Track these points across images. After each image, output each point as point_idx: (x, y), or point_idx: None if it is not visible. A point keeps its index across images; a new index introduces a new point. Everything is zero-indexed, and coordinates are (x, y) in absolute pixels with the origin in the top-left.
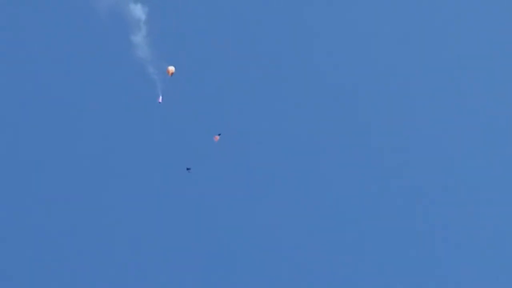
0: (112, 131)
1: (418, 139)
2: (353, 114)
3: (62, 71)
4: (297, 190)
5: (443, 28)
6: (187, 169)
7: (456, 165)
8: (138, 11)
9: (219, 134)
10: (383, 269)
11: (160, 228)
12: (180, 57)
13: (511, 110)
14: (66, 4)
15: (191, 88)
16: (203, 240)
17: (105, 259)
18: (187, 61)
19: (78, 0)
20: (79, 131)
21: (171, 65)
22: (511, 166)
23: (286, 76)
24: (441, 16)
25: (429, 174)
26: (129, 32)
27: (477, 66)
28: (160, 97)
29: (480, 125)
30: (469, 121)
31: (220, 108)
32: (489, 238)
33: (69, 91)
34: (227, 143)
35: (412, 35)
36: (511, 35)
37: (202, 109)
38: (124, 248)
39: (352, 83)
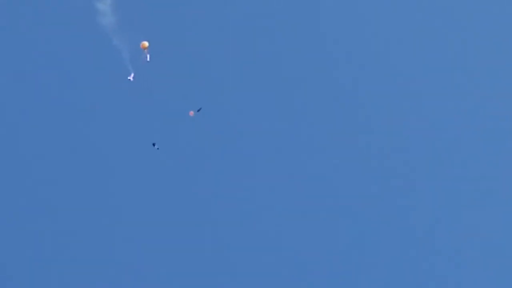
0: (77, 108)
1: (420, 139)
2: (354, 113)
3: (19, 39)
4: (297, 190)
5: (445, 28)
6: (153, 144)
7: (457, 165)
8: None
9: (198, 110)
10: (383, 269)
11: (150, 222)
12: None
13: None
14: None
15: (168, 64)
16: (200, 240)
17: (98, 257)
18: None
19: None
20: (38, 107)
21: (145, 39)
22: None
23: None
24: (446, 16)
25: (431, 174)
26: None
27: (477, 67)
28: (132, 75)
29: (481, 125)
30: (470, 121)
31: (198, 83)
32: (489, 238)
33: (26, 62)
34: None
35: (412, 35)
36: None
37: (179, 86)
38: (113, 245)
39: (351, 83)
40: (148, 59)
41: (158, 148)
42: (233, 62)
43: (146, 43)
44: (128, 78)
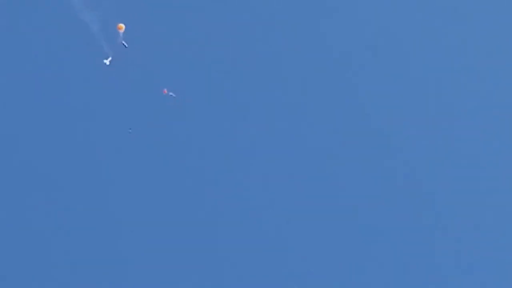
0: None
1: (420, 139)
2: (355, 113)
3: None
4: (297, 189)
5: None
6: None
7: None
8: None
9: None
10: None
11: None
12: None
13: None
14: None
15: (147, 48)
16: (200, 240)
17: (97, 257)
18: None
19: None
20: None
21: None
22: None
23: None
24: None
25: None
26: None
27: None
28: (109, 59)
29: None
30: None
31: (176, 67)
32: (489, 240)
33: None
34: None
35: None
36: None
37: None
38: (113, 245)
39: (351, 84)
40: (108, 63)
41: (130, 130)
42: (217, 46)
43: (122, 26)
44: (104, 61)
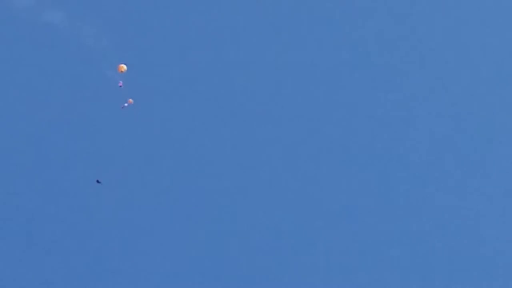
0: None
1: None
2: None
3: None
4: (296, 190)
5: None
6: (97, 181)
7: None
8: None
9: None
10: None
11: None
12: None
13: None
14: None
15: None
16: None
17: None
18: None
19: None
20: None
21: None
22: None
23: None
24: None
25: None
26: None
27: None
28: (121, 81)
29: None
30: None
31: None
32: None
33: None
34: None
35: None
36: None
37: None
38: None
39: (351, 85)
40: (121, 85)
41: (99, 182)
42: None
43: (123, 66)
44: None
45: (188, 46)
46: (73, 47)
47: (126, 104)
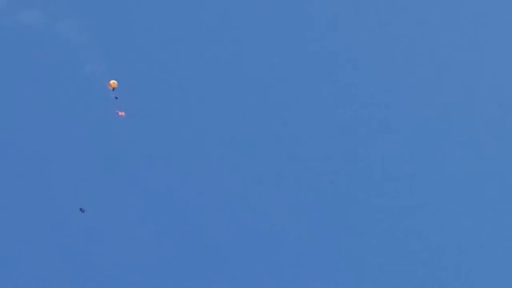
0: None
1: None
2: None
3: None
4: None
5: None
6: (80, 209)
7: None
8: None
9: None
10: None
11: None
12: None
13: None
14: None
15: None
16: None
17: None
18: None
19: None
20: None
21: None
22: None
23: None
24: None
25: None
26: None
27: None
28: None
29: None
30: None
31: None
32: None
33: None
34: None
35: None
36: None
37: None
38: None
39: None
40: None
41: (82, 210)
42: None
43: (114, 82)
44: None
45: (172, 41)
46: (52, 44)
47: (120, 113)
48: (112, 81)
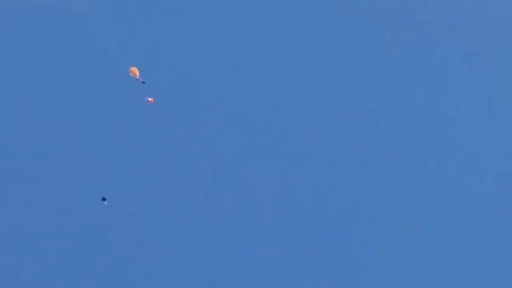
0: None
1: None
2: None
3: None
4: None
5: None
6: (103, 198)
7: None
8: None
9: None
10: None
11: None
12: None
13: None
14: None
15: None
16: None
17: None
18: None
19: None
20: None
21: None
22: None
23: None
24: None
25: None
26: None
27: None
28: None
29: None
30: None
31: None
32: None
33: None
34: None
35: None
36: None
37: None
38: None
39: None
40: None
41: (105, 200)
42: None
43: (134, 70)
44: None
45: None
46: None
47: (149, 99)
48: (131, 68)
